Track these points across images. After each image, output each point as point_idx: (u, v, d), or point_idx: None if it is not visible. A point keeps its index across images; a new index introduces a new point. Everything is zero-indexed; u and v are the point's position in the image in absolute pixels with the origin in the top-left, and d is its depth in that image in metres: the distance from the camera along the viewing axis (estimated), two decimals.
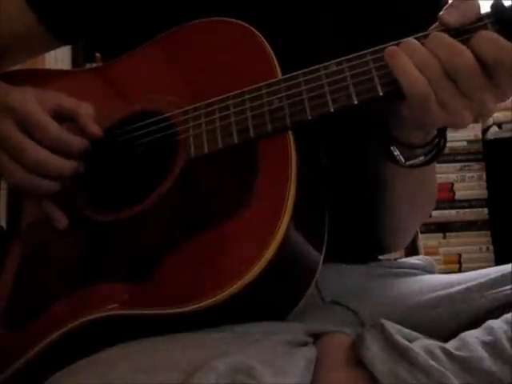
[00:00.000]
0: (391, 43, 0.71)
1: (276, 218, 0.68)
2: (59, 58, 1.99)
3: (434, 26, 0.71)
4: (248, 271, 0.66)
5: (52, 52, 1.80)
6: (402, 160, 0.77)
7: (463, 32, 0.68)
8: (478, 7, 0.70)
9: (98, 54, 0.99)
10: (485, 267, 0.88)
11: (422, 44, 0.69)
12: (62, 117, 0.83)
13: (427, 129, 0.75)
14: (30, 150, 0.80)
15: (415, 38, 0.70)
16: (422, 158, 0.77)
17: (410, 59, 0.69)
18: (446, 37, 0.68)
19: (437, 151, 0.77)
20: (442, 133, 0.76)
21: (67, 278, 0.80)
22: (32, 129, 0.80)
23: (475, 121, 0.70)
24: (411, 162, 0.78)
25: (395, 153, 0.77)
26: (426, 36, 0.70)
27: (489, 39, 0.67)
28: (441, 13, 0.70)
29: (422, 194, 0.90)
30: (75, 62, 2.17)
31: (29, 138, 0.80)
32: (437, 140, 0.76)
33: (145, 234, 0.77)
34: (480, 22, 0.68)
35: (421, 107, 0.69)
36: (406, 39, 0.70)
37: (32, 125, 0.80)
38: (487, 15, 0.69)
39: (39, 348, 0.75)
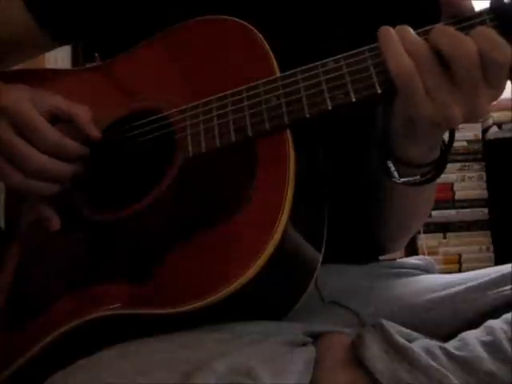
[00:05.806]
0: None
1: (274, 217, 0.68)
2: (59, 58, 2.00)
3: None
4: (246, 270, 0.66)
5: (52, 52, 1.79)
6: (397, 176, 0.77)
7: (463, 28, 0.68)
8: None
9: (97, 54, 0.98)
10: (485, 267, 0.88)
11: (426, 37, 0.68)
12: (58, 118, 0.82)
13: (420, 126, 0.73)
14: (28, 156, 0.79)
15: (417, 34, 0.69)
16: (417, 177, 0.77)
17: (401, 41, 0.68)
18: (449, 28, 0.68)
19: (434, 173, 0.77)
20: (443, 155, 0.76)
21: (67, 278, 0.80)
22: (29, 134, 0.79)
23: (468, 121, 0.69)
24: (405, 179, 0.77)
25: (391, 168, 0.77)
26: (427, 32, 0.69)
27: (486, 37, 0.66)
28: None
29: (422, 202, 0.89)
30: (75, 61, 2.17)
31: (25, 141, 0.79)
32: (434, 164, 0.76)
33: (144, 234, 0.77)
34: (479, 17, 0.68)
35: (407, 93, 0.68)
36: (400, 26, 0.70)
37: (29, 130, 0.79)
38: (486, 11, 0.68)
39: (39, 348, 0.74)
